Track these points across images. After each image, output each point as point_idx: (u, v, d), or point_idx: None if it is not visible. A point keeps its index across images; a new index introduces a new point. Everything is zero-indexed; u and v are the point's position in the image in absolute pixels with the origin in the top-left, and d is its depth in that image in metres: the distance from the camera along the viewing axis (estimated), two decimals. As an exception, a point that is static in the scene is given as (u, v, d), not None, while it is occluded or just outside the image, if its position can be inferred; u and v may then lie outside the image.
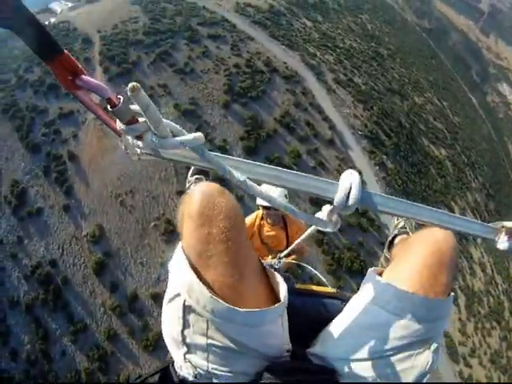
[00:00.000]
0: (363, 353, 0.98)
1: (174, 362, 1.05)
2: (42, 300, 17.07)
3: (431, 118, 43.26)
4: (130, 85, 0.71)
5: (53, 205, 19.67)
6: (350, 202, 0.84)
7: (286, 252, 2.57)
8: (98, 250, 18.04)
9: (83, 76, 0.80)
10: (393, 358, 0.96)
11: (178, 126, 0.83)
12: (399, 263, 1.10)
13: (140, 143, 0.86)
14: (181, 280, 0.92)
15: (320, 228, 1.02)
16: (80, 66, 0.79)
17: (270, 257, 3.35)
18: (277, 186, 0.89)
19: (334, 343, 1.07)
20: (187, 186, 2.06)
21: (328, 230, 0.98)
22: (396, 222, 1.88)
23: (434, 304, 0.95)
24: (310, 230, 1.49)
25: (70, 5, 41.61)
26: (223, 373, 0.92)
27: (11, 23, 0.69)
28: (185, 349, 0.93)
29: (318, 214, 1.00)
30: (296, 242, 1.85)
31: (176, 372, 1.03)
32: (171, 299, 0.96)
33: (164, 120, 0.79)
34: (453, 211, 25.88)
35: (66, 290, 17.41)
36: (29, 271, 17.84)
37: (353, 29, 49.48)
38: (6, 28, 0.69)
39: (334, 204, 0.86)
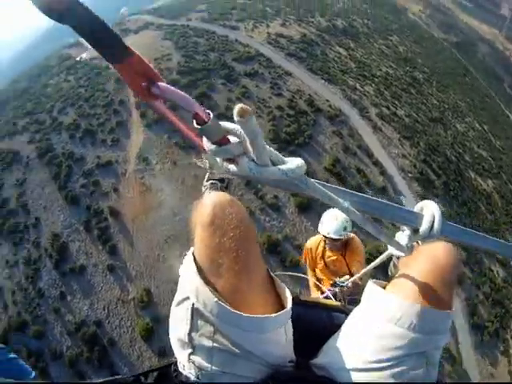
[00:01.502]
0: (362, 362, 1.02)
1: (175, 362, 1.13)
2: (86, 358, 15.80)
3: (475, 146, 40.66)
4: (239, 108, 0.68)
5: (96, 263, 18.36)
6: (434, 231, 0.93)
7: (353, 278, 2.87)
8: (146, 315, 16.59)
9: (161, 83, 0.74)
10: (391, 370, 0.99)
11: (277, 153, 0.82)
12: (401, 277, 1.14)
13: (231, 167, 0.82)
14: (189, 284, 0.99)
15: (395, 252, 1.06)
16: (156, 71, 0.74)
17: (334, 279, 3.57)
18: (365, 212, 0.93)
19: (335, 353, 1.10)
20: (203, 190, 2.02)
21: (401, 254, 1.02)
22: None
23: (431, 315, 0.99)
24: (383, 256, 1.37)
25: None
26: (226, 374, 0.97)
27: (69, 18, 0.66)
28: (190, 350, 0.99)
29: (398, 239, 1.02)
30: (372, 264, 1.80)
31: (177, 372, 1.10)
32: (180, 302, 1.04)
33: (267, 147, 0.76)
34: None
35: (112, 351, 16.06)
36: (73, 328, 16.68)
37: (386, 53, 47.65)
38: (63, 23, 0.66)
39: (420, 233, 0.92)
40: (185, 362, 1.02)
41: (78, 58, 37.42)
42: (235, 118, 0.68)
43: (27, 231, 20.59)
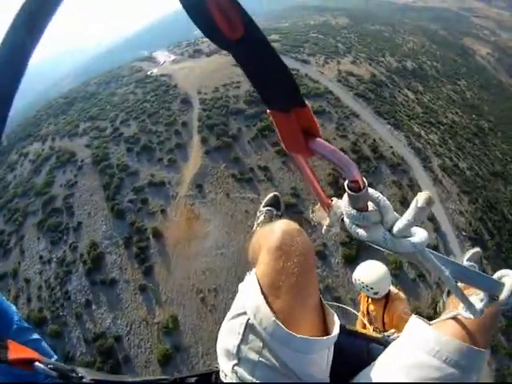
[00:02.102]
0: None
1: (216, 371, 1.24)
2: (97, 368, 15.94)
3: None
4: (426, 195, 0.69)
5: (128, 280, 18.75)
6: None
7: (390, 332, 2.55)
8: (167, 341, 16.76)
9: (320, 140, 0.69)
10: None
11: (405, 223, 0.76)
12: (444, 317, 1.18)
13: (360, 231, 0.81)
14: (250, 301, 1.05)
15: (464, 314, 1.04)
16: (319, 128, 0.69)
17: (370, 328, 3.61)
18: (455, 278, 0.92)
19: (368, 379, 1.14)
20: (258, 215, 2.13)
21: (470, 315, 1.01)
22: None
23: (467, 352, 1.02)
24: (448, 316, 1.21)
25: (172, 57, 42.41)
26: None
27: (239, 48, 0.58)
28: (235, 361, 1.05)
29: (473, 301, 1.01)
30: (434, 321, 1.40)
31: (218, 379, 1.19)
32: (236, 316, 1.10)
33: (397, 216, 0.78)
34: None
35: (125, 367, 16.29)
36: (91, 337, 17.06)
37: (453, 99, 46.55)
38: (232, 53, 0.60)
39: (499, 300, 0.91)
40: (228, 372, 1.08)
41: (148, 73, 39.19)
42: (420, 204, 0.69)
43: (67, 233, 21.17)
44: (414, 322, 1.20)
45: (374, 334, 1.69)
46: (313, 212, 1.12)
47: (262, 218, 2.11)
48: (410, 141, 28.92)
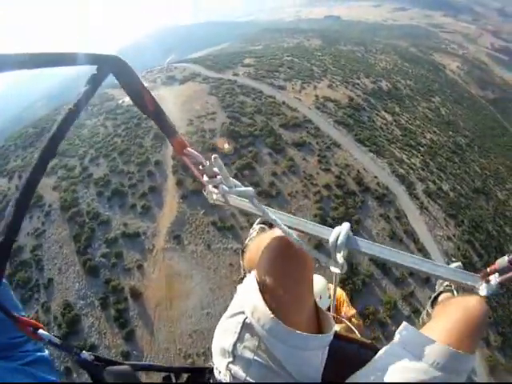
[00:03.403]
0: None
1: (209, 368, 1.30)
2: None
3: None
4: (213, 156, 1.15)
5: (109, 346, 16.71)
6: None
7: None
8: None
9: (188, 148, 1.24)
10: None
11: (239, 183, 1.22)
12: (434, 320, 1.27)
13: (216, 190, 1.28)
14: (248, 300, 1.11)
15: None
16: (187, 143, 1.24)
17: None
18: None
19: (357, 382, 1.18)
20: (251, 232, 2.33)
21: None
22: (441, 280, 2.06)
23: (454, 356, 1.06)
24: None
25: (145, 84, 40.90)
26: None
27: (150, 114, 1.17)
28: (230, 359, 1.10)
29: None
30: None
31: (211, 376, 1.25)
32: (233, 315, 1.15)
33: (230, 178, 1.20)
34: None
35: None
36: None
37: (429, 117, 47.14)
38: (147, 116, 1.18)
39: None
40: (222, 370, 1.12)
41: (120, 101, 37.37)
42: (212, 160, 1.17)
43: (37, 290, 19.20)
44: (404, 326, 1.21)
45: (363, 339, 1.70)
46: (204, 191, 1.44)
47: (254, 234, 2.20)
48: (394, 168, 28.29)
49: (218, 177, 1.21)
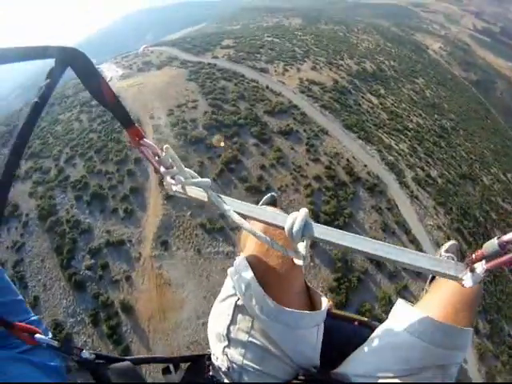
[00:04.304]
0: (382, 371, 1.09)
1: (208, 355, 1.26)
2: None
3: (500, 201, 39.25)
4: (165, 147, 1.17)
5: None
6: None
7: None
8: None
9: (144, 139, 1.20)
10: (410, 379, 1.05)
11: (196, 174, 1.24)
12: (429, 297, 1.29)
13: (173, 181, 1.24)
14: (240, 280, 1.10)
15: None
16: (143, 133, 1.21)
17: None
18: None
19: (357, 362, 1.17)
20: None
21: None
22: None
23: (451, 330, 1.05)
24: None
25: (120, 72, 38.32)
26: (255, 371, 1.05)
27: (108, 106, 1.09)
28: (226, 343, 1.09)
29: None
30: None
31: (209, 362, 1.22)
32: (225, 298, 1.16)
33: (186, 169, 1.22)
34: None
35: None
36: None
37: (414, 100, 46.51)
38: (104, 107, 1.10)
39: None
40: (219, 354, 1.12)
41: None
42: (164, 150, 1.20)
43: None
44: (399, 304, 1.22)
45: (359, 317, 1.65)
46: (163, 182, 1.33)
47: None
48: (383, 155, 27.46)
49: (175, 167, 1.22)
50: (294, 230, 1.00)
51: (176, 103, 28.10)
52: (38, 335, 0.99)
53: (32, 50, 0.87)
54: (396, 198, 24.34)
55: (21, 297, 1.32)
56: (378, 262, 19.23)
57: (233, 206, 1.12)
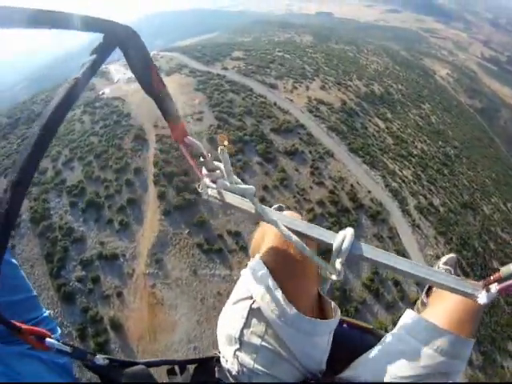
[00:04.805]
0: (387, 376, 1.10)
1: (216, 357, 1.24)
2: None
3: (499, 230, 39.03)
4: (220, 147, 1.08)
5: (91, 379, 14.90)
6: None
7: None
8: None
9: (189, 136, 1.13)
10: None
11: (239, 180, 1.18)
12: (433, 307, 1.30)
13: (213, 185, 1.19)
14: (257, 284, 1.08)
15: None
16: (188, 131, 1.14)
17: None
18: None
19: (363, 368, 1.18)
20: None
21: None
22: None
23: (457, 342, 1.08)
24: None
25: (128, 75, 37.81)
26: (264, 374, 1.05)
27: (154, 95, 1.03)
28: (237, 346, 1.07)
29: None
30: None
31: (218, 365, 1.20)
32: (239, 300, 1.13)
33: (234, 176, 1.17)
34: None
35: None
36: None
37: (420, 125, 46.59)
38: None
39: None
40: (229, 357, 1.10)
41: (100, 92, 34.62)
42: (219, 151, 1.08)
43: None
44: (408, 313, 1.24)
45: (365, 325, 1.68)
46: (199, 186, 1.29)
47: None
48: (387, 182, 27.25)
49: (218, 171, 1.18)
50: (344, 247, 1.03)
51: (182, 113, 27.73)
52: (48, 340, 0.91)
53: (78, 18, 0.73)
54: (398, 227, 24.08)
55: (34, 293, 1.24)
56: (377, 293, 19.06)
57: (278, 218, 1.11)
